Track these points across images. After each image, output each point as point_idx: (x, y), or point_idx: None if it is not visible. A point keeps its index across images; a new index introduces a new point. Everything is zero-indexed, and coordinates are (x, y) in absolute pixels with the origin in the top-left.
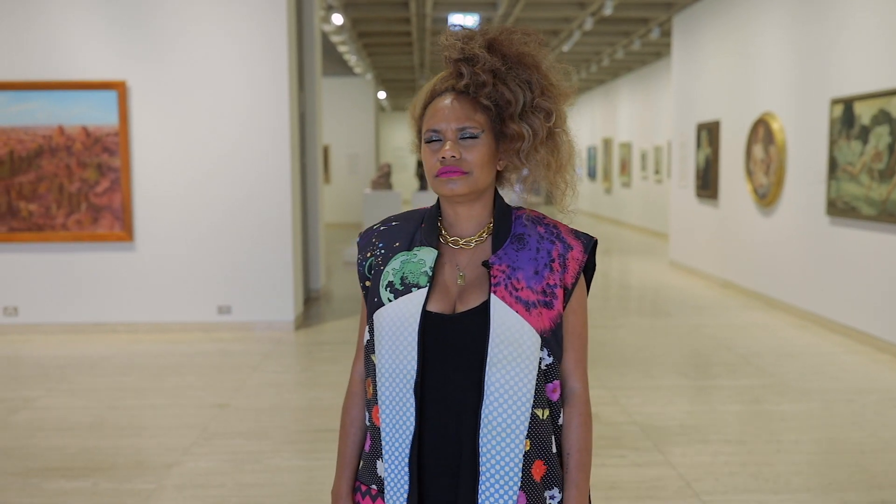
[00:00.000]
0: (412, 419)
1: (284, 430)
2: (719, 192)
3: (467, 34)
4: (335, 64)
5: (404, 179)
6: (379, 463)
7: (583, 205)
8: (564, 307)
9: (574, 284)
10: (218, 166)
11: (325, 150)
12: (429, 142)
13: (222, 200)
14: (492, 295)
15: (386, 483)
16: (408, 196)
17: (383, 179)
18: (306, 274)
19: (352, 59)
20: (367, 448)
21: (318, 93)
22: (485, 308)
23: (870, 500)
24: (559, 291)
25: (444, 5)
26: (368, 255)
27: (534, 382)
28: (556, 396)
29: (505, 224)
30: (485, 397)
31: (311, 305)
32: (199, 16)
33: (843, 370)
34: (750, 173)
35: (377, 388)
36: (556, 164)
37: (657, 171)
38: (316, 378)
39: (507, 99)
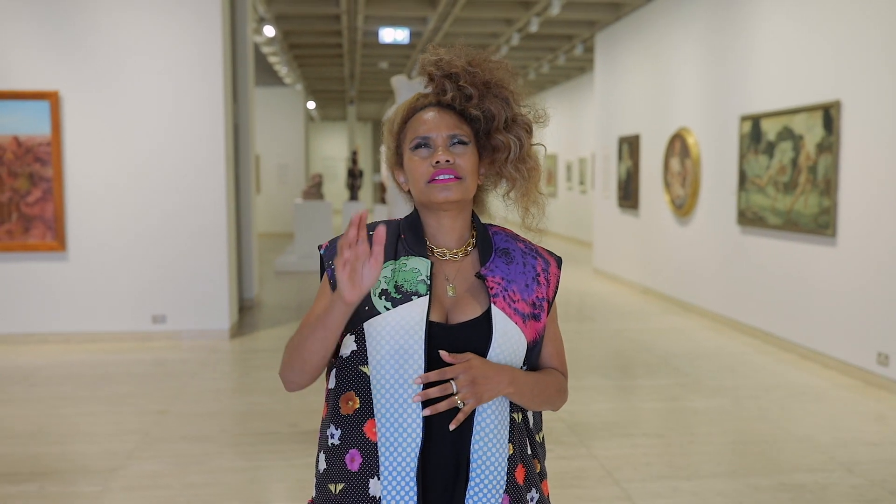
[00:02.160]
0: (419, 431)
1: (226, 433)
2: (640, 202)
3: (449, 51)
4: (265, 74)
5: (334, 189)
6: (373, 482)
7: (513, 216)
8: (547, 319)
9: (554, 298)
10: (152, 176)
11: (255, 160)
12: (416, 148)
13: (156, 210)
14: (492, 305)
15: (384, 501)
16: (338, 206)
17: (314, 189)
18: (240, 283)
19: (282, 70)
20: (353, 467)
21: (251, 103)
22: (485, 318)
23: (772, 483)
24: (545, 305)
25: (375, 19)
26: None
27: None
28: None
29: (486, 238)
30: (479, 406)
31: (245, 314)
32: (133, 26)
33: (752, 369)
34: (668, 185)
35: (374, 400)
36: (535, 179)
37: (581, 182)
38: (254, 384)
39: (493, 111)
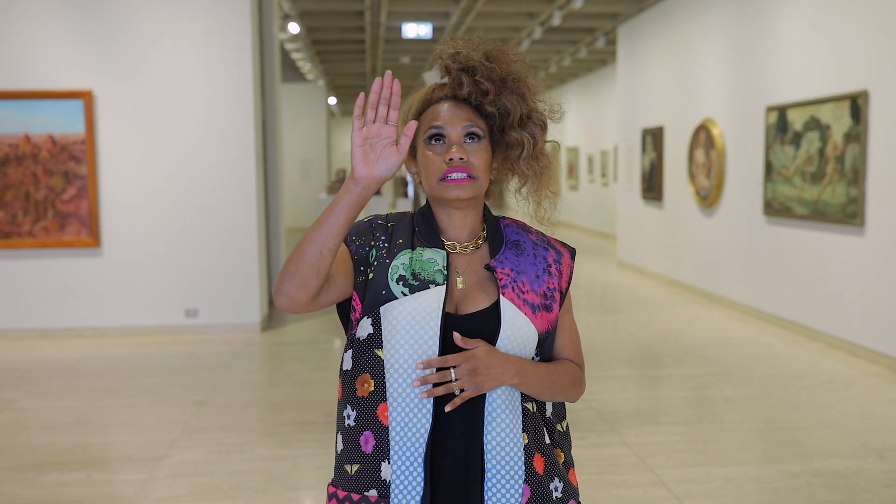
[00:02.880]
0: (428, 417)
1: (264, 423)
2: (664, 194)
3: (467, 44)
4: (287, 70)
5: None
6: (384, 465)
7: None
8: (559, 310)
9: (567, 289)
10: (183, 173)
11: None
12: (430, 138)
13: (188, 206)
14: (501, 296)
15: (393, 486)
16: None
17: (339, 185)
18: (269, 277)
19: (305, 66)
20: (367, 449)
21: (277, 101)
22: (494, 309)
23: (804, 469)
24: (557, 296)
25: (398, 15)
26: (372, 243)
27: None
28: None
29: (497, 231)
30: (489, 394)
31: (274, 309)
32: (165, 24)
33: (780, 358)
34: (692, 176)
35: (387, 384)
36: (548, 175)
37: (604, 175)
38: (287, 376)
39: (508, 108)
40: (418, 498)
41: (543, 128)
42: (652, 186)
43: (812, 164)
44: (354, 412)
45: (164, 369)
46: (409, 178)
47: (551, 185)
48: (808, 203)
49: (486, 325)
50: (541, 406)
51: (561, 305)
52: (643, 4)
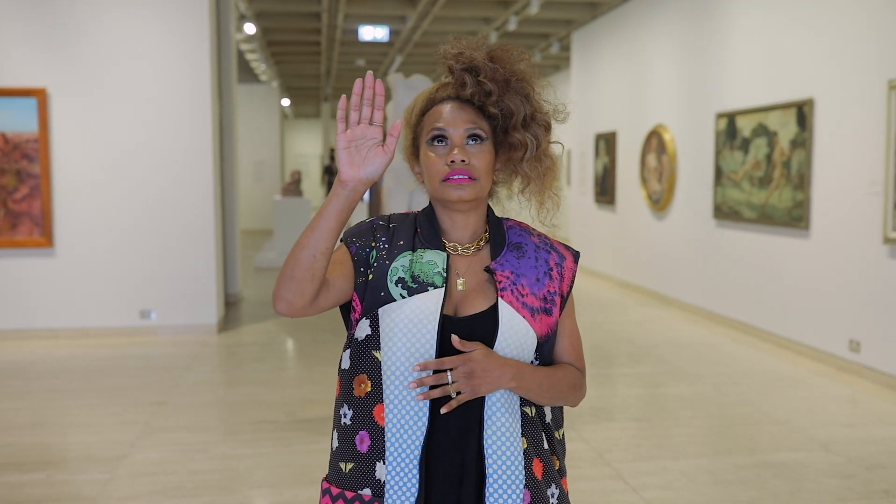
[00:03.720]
0: (424, 419)
1: (225, 422)
2: (616, 198)
3: (470, 44)
4: (241, 71)
5: (308, 186)
6: (379, 465)
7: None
8: (560, 314)
9: (569, 293)
10: (139, 173)
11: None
12: (433, 140)
13: (144, 207)
14: (499, 299)
15: (388, 486)
16: (317, 203)
17: (293, 186)
18: (224, 278)
19: (259, 68)
20: (362, 448)
21: (234, 101)
22: (492, 312)
23: (754, 461)
24: (558, 299)
25: (355, 17)
26: (372, 244)
27: None
28: None
29: (500, 233)
30: (487, 397)
31: (230, 309)
32: (121, 22)
33: (731, 357)
34: (644, 180)
35: (383, 385)
36: (551, 177)
37: (558, 179)
38: (247, 376)
39: (511, 109)
40: (413, 499)
41: (547, 128)
42: (605, 190)
43: (760, 169)
44: (351, 411)
45: (120, 370)
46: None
47: (554, 186)
48: (756, 207)
49: (483, 328)
50: (540, 411)
51: (562, 309)
52: (597, 11)
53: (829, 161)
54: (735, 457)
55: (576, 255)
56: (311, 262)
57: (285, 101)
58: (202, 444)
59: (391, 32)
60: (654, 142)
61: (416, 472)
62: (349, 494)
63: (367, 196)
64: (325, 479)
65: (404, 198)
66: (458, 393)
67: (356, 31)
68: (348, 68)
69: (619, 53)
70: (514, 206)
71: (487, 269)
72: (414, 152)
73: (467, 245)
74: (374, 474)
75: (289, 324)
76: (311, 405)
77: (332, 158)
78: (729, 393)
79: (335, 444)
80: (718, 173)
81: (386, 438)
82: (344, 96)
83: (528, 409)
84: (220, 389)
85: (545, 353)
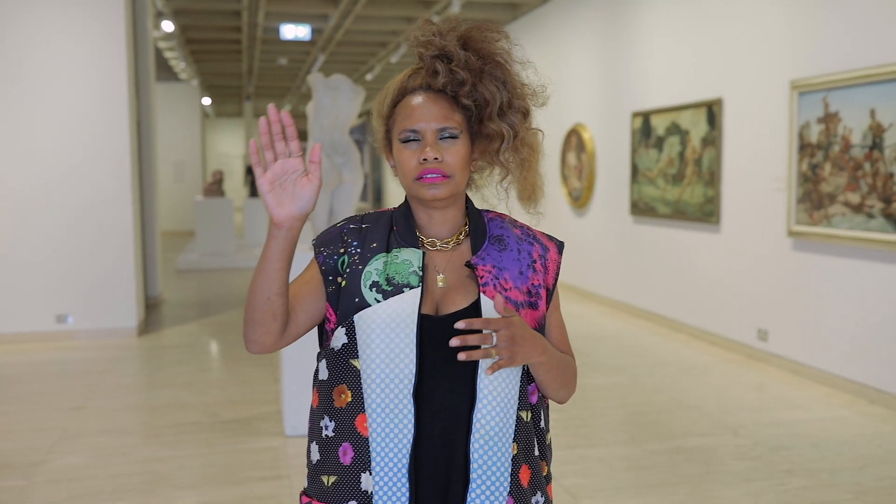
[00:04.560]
0: (410, 426)
1: (147, 425)
2: None
3: (441, 29)
4: (159, 69)
5: (231, 186)
6: (364, 476)
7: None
8: (547, 308)
9: (554, 285)
10: (54, 174)
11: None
12: (405, 141)
13: (59, 208)
14: (482, 295)
15: (376, 496)
16: (240, 203)
17: (215, 186)
18: (145, 280)
19: (178, 66)
20: (345, 461)
21: (152, 100)
22: (474, 308)
23: (667, 447)
24: (543, 292)
25: (276, 16)
26: (342, 250)
27: (519, 383)
28: (535, 399)
29: (480, 226)
30: (478, 401)
31: (151, 312)
32: (37, 22)
33: (646, 349)
34: (565, 178)
35: (364, 394)
36: (531, 164)
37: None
38: (169, 379)
39: (486, 98)
40: None
41: (525, 115)
42: None
43: (673, 166)
44: (333, 423)
45: (36, 376)
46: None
47: (535, 176)
48: (671, 203)
49: None
50: (535, 415)
51: (548, 303)
52: (518, 12)
53: (738, 158)
54: (649, 443)
55: (560, 246)
56: (268, 304)
57: (206, 100)
58: (123, 447)
59: (313, 31)
60: (574, 140)
61: (405, 480)
62: None
63: None
64: (305, 492)
65: (327, 197)
66: (499, 358)
67: (277, 30)
68: (270, 67)
69: (540, 53)
70: (494, 193)
71: (468, 265)
72: (387, 145)
73: (446, 240)
74: (359, 486)
75: (212, 326)
76: (235, 406)
77: None
78: (644, 382)
79: (315, 456)
80: (635, 171)
81: (371, 448)
82: (253, 140)
83: (523, 414)
84: (141, 393)
85: None
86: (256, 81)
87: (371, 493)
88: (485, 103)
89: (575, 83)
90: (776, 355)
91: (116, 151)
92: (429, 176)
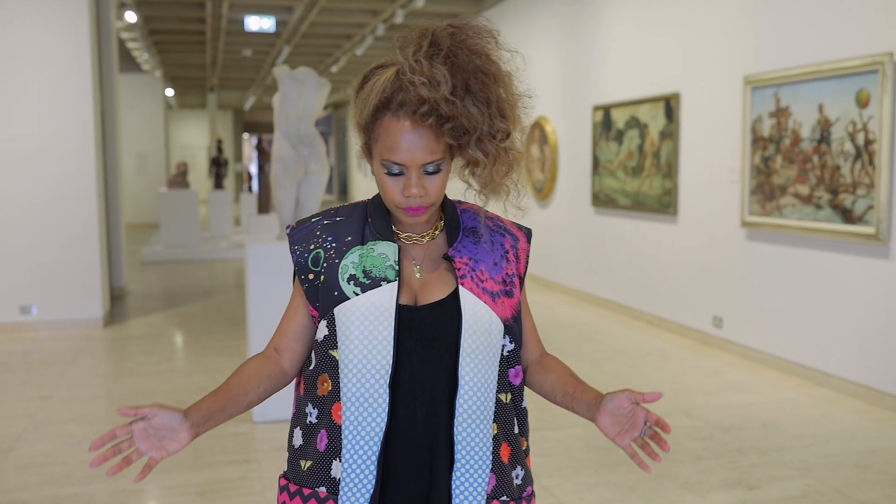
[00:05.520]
0: (384, 415)
1: (114, 413)
2: None
3: (426, 47)
4: (122, 60)
5: (195, 178)
6: (335, 463)
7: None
8: (521, 294)
9: (525, 273)
10: (18, 165)
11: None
12: (389, 173)
13: (23, 199)
14: (460, 287)
15: (343, 483)
16: (204, 195)
17: (180, 178)
18: (110, 272)
19: (141, 57)
20: (320, 447)
21: (116, 91)
22: (452, 300)
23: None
24: (517, 280)
25: (241, 7)
26: (312, 246)
27: (497, 369)
28: (517, 381)
29: (454, 218)
30: (459, 387)
31: (116, 303)
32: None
33: (606, 336)
34: (528, 170)
35: (340, 384)
36: (506, 172)
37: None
38: (135, 368)
39: (467, 129)
40: (367, 496)
41: (505, 137)
42: None
43: (633, 159)
44: (316, 410)
45: (0, 367)
46: (252, 173)
47: (513, 178)
48: (630, 195)
49: (445, 317)
50: (516, 396)
51: (521, 289)
52: (481, 6)
53: (694, 151)
54: None
55: (528, 234)
56: (252, 405)
57: (169, 91)
58: (92, 435)
59: (278, 23)
60: (537, 133)
61: (373, 468)
62: (306, 491)
63: (255, 187)
64: (284, 475)
65: (293, 188)
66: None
67: (242, 21)
68: (235, 58)
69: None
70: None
71: (446, 257)
72: (367, 151)
73: (422, 234)
74: (329, 472)
75: (178, 316)
76: (202, 393)
77: (220, 150)
78: (604, 368)
79: (298, 441)
80: (596, 163)
81: (343, 436)
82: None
83: (502, 396)
84: (108, 382)
85: (516, 334)
86: (220, 73)
87: (339, 479)
88: (465, 134)
89: (538, 76)
90: (730, 341)
91: (81, 142)
92: (412, 209)
